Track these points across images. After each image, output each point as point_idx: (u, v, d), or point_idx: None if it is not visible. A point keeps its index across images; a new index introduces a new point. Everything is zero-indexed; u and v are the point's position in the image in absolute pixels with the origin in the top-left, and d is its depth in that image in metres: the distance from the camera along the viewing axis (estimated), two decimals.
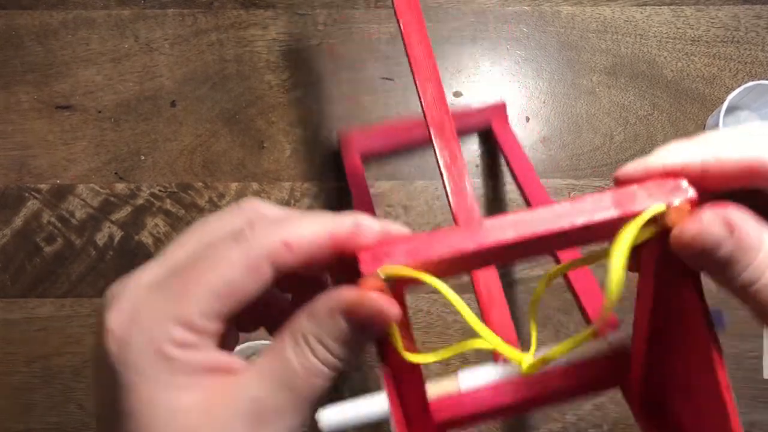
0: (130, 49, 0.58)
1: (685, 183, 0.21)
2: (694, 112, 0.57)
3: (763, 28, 0.58)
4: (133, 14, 0.58)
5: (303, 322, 0.21)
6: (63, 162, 0.56)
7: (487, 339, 0.21)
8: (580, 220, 0.21)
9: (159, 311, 0.20)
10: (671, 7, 0.58)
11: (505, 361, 0.31)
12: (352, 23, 0.58)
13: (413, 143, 0.56)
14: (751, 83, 0.53)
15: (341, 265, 0.21)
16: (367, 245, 0.20)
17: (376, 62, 0.58)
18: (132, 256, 0.56)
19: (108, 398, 0.20)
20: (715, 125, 0.53)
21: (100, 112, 0.57)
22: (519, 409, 0.33)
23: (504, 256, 0.21)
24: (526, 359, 0.22)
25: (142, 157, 0.56)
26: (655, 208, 0.20)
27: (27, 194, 0.56)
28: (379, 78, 0.57)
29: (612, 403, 0.53)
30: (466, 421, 0.30)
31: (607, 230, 0.21)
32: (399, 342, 0.21)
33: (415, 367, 0.23)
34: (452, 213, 0.33)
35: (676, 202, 0.21)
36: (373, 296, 0.20)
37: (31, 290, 0.55)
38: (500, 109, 0.56)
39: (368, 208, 0.51)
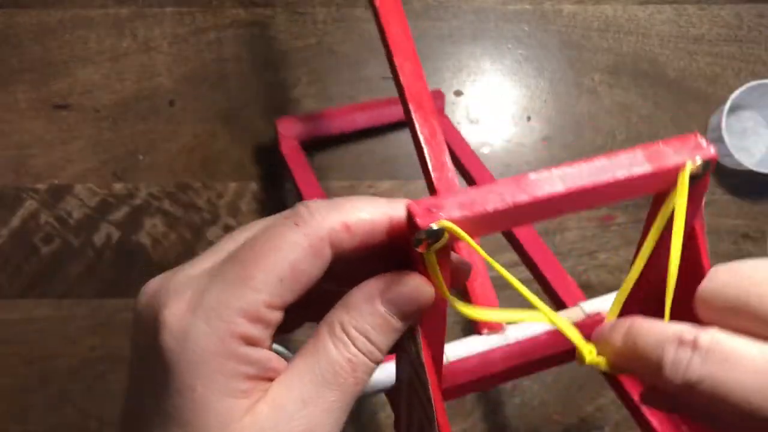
0: (128, 48, 0.57)
1: (704, 141, 0.22)
2: (697, 112, 0.57)
3: (766, 27, 0.58)
4: (131, 13, 0.58)
5: (341, 313, 0.20)
6: (60, 162, 0.56)
7: (557, 322, 0.21)
8: (620, 174, 0.22)
9: (222, 302, 0.18)
10: (673, 5, 0.58)
11: (488, 331, 0.34)
12: (351, 22, 0.57)
13: (352, 129, 0.55)
14: (753, 82, 0.52)
15: (392, 251, 0.20)
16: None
17: (376, 62, 0.57)
18: (130, 256, 0.55)
19: (151, 398, 0.19)
20: (718, 124, 0.53)
21: (98, 111, 0.57)
22: (505, 377, 0.34)
23: (552, 210, 0.22)
24: (589, 350, 0.22)
25: (140, 157, 0.56)
26: (688, 165, 0.22)
27: (24, 194, 0.56)
28: (379, 78, 0.57)
29: (614, 405, 0.53)
30: (455, 391, 0.30)
31: (641, 184, 0.23)
32: (449, 297, 0.21)
33: (441, 330, 0.23)
34: (430, 188, 0.33)
35: (699, 160, 0.22)
36: (411, 280, 0.20)
37: (28, 291, 0.55)
38: (436, 96, 0.54)
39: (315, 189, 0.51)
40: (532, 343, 0.36)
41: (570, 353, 0.32)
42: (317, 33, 0.57)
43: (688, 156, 0.22)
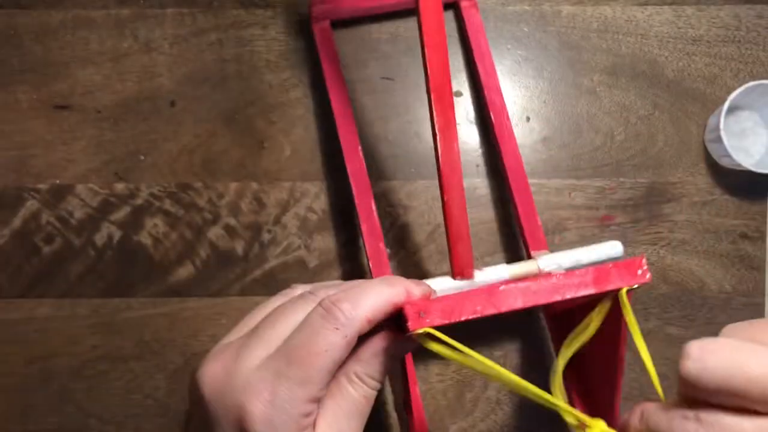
0: (129, 49, 0.57)
1: (643, 267, 0.30)
2: (696, 112, 0.57)
3: (764, 27, 0.58)
4: (132, 14, 0.58)
5: (355, 365, 0.29)
6: (62, 162, 0.56)
7: (558, 405, 0.30)
8: (569, 295, 0.30)
9: (293, 397, 0.26)
10: (672, 6, 0.58)
11: (458, 277, 0.43)
12: (351, 23, 0.58)
13: (383, 8, 0.57)
14: (752, 83, 0.53)
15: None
16: (411, 303, 0.28)
17: (376, 62, 0.57)
18: (131, 256, 0.55)
19: None
20: (716, 125, 0.53)
21: (99, 112, 0.57)
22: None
23: (509, 313, 0.29)
24: (598, 426, 0.29)
25: (142, 157, 0.56)
26: (624, 288, 0.29)
27: (26, 194, 0.56)
28: (379, 78, 0.57)
29: None
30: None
31: (584, 298, 0.30)
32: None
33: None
34: (438, 168, 0.40)
35: (635, 286, 0.30)
36: (406, 342, 0.29)
37: (29, 290, 0.55)
38: None
39: (347, 108, 0.54)
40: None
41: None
42: None
43: (627, 283, 0.30)
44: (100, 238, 0.55)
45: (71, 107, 0.57)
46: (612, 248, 0.50)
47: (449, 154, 0.40)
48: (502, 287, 0.29)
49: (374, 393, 0.29)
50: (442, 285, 0.46)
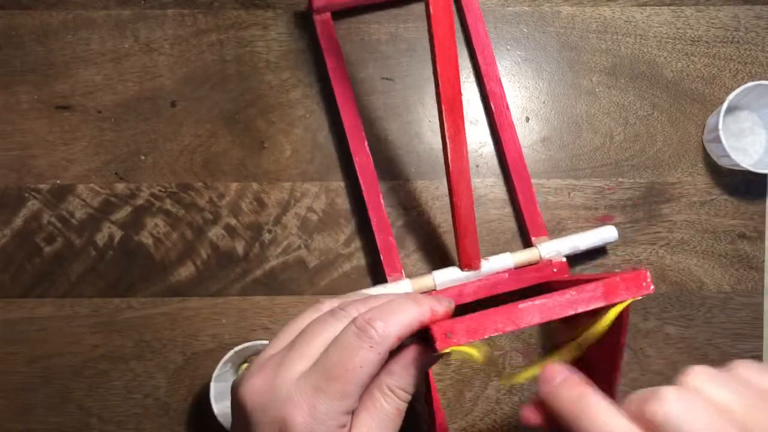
0: (130, 49, 0.58)
1: (647, 280, 0.33)
2: (694, 113, 0.57)
3: (763, 28, 0.58)
4: (133, 14, 0.58)
5: (387, 378, 0.31)
6: (63, 162, 0.56)
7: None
8: (581, 308, 0.32)
9: (332, 409, 0.28)
10: (671, 7, 0.58)
11: (465, 268, 0.47)
12: (351, 23, 0.58)
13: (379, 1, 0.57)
14: (751, 83, 0.53)
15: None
16: (436, 320, 0.31)
17: (376, 62, 0.58)
18: (132, 255, 0.56)
19: None
20: (715, 125, 0.53)
21: (100, 112, 0.57)
22: (477, 299, 0.49)
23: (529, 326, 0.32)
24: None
25: (142, 157, 0.56)
26: (629, 300, 0.33)
27: (27, 194, 0.56)
28: (379, 78, 0.57)
29: None
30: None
31: (594, 309, 0.33)
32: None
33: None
34: (447, 171, 0.43)
35: (639, 297, 0.33)
36: (433, 355, 0.31)
37: (30, 290, 0.55)
38: None
39: (350, 97, 0.55)
40: (498, 280, 0.50)
41: (529, 289, 0.51)
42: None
43: (633, 295, 0.33)
44: (101, 238, 0.56)
45: (72, 107, 0.57)
46: (607, 233, 0.53)
47: (459, 160, 0.42)
48: (521, 305, 0.32)
49: (405, 405, 0.31)
50: (451, 276, 0.50)
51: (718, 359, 0.55)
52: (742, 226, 0.56)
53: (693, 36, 0.58)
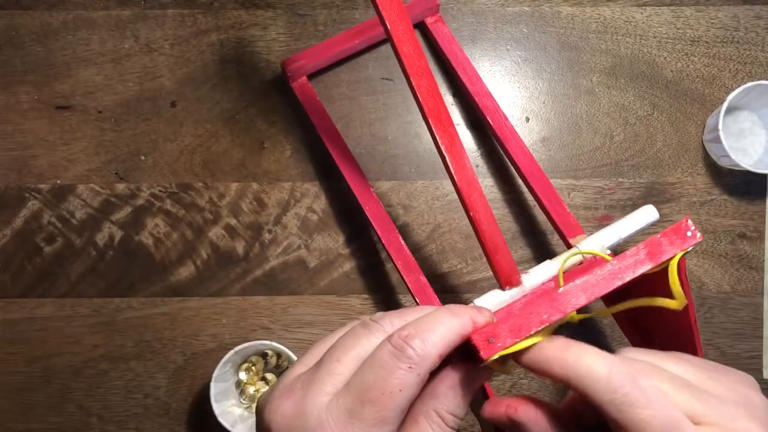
0: (130, 50, 0.58)
1: (691, 228, 0.30)
2: (694, 113, 0.57)
3: (762, 28, 0.58)
4: (133, 15, 0.58)
5: (433, 402, 0.28)
6: (63, 162, 0.56)
7: None
8: (628, 277, 0.29)
9: None
10: (671, 7, 0.59)
11: (507, 287, 0.42)
12: (351, 24, 0.58)
13: (352, 51, 0.57)
14: (750, 83, 0.53)
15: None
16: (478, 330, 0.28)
17: (376, 62, 0.58)
18: (132, 256, 0.56)
19: None
20: (715, 125, 0.53)
21: (100, 112, 0.57)
22: None
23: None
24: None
25: (143, 158, 0.56)
26: (680, 253, 0.30)
27: (27, 194, 0.56)
28: (379, 78, 0.57)
29: None
30: None
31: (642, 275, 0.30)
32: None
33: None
34: (455, 186, 0.40)
35: (689, 248, 0.30)
36: (481, 373, 0.28)
37: (31, 290, 0.55)
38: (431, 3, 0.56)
39: (333, 132, 0.54)
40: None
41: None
42: (318, 35, 0.58)
43: (680, 248, 0.30)
44: (101, 238, 0.56)
45: (72, 108, 0.57)
46: (647, 213, 0.48)
47: (462, 171, 0.40)
48: (561, 289, 0.29)
49: (454, 430, 0.28)
50: (495, 299, 0.44)
51: (718, 359, 0.55)
52: (742, 226, 0.56)
53: (693, 36, 0.58)
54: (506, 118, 0.54)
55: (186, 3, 0.58)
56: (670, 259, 0.30)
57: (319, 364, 0.28)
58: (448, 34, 0.56)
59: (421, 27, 0.57)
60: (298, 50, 0.57)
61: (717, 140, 0.53)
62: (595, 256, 0.46)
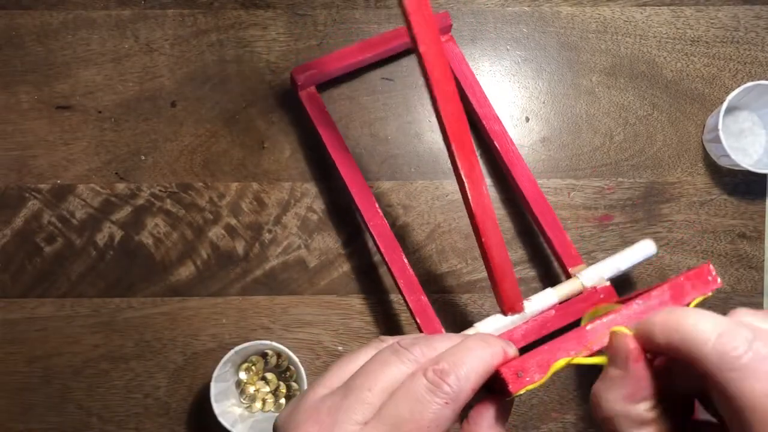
0: (130, 50, 0.58)
1: (712, 273, 0.32)
2: (694, 112, 0.57)
3: (762, 28, 0.58)
4: (133, 14, 0.58)
5: None
6: (63, 162, 0.56)
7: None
8: None
9: None
10: (671, 7, 0.59)
11: (509, 313, 0.43)
12: (351, 23, 0.58)
13: (363, 64, 0.56)
14: (750, 83, 0.53)
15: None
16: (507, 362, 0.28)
17: (375, 63, 0.58)
18: (132, 255, 0.56)
19: None
20: (715, 125, 0.54)
21: (100, 112, 0.57)
22: (528, 344, 0.46)
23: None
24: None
25: (143, 157, 0.56)
26: (700, 297, 0.31)
27: (27, 194, 0.56)
28: (379, 78, 0.58)
29: None
30: None
31: None
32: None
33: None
34: (469, 211, 0.40)
35: (710, 293, 0.31)
36: (508, 402, 0.28)
37: (31, 290, 0.55)
38: (442, 19, 0.55)
39: (340, 142, 0.54)
40: (545, 319, 0.48)
41: (571, 317, 0.48)
42: (318, 35, 0.58)
43: (701, 292, 0.31)
44: (101, 238, 0.56)
45: (72, 108, 0.57)
46: (646, 248, 0.51)
47: (479, 197, 0.40)
48: (589, 327, 0.29)
49: None
50: (496, 324, 0.47)
51: None
52: (742, 226, 0.56)
53: (693, 36, 0.58)
54: (513, 143, 0.54)
55: (186, 3, 0.58)
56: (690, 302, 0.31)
57: (347, 390, 0.27)
58: (459, 55, 0.56)
59: None
60: (298, 50, 0.57)
61: (717, 140, 0.53)
62: (595, 288, 0.49)
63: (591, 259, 0.55)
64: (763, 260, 0.56)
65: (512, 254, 0.56)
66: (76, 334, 0.55)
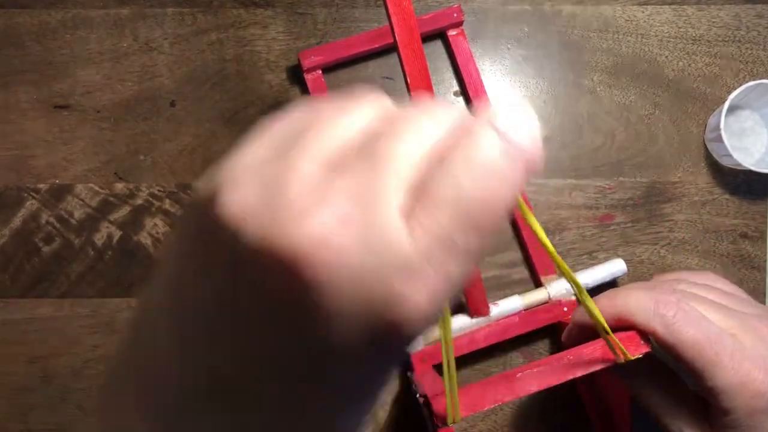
0: (129, 49, 0.57)
1: (641, 342, 0.34)
2: (696, 112, 0.57)
3: (764, 27, 0.58)
4: (132, 13, 0.58)
5: None
6: (62, 162, 0.56)
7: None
8: (579, 373, 0.33)
9: (457, 286, 0.17)
10: (672, 6, 0.58)
11: (475, 315, 0.47)
12: (351, 22, 0.58)
13: (367, 54, 0.57)
14: (752, 83, 0.53)
15: None
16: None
17: (375, 62, 0.57)
18: (131, 256, 0.55)
19: None
20: (717, 125, 0.53)
21: (99, 111, 0.57)
22: (490, 346, 0.49)
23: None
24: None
25: (142, 157, 0.56)
26: (630, 358, 0.33)
27: (26, 194, 0.56)
28: (379, 77, 0.57)
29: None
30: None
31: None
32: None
33: None
34: None
35: (640, 355, 0.34)
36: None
37: (29, 290, 0.55)
38: (454, 13, 0.56)
39: None
40: (508, 324, 0.50)
41: (538, 331, 0.51)
42: (317, 33, 0.58)
43: (632, 354, 0.33)
44: (99, 238, 0.55)
45: (71, 107, 0.57)
46: (616, 267, 0.53)
47: None
48: (519, 374, 0.32)
49: None
50: (461, 323, 0.49)
51: None
52: (744, 226, 0.56)
53: (694, 35, 0.58)
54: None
55: (185, 1, 0.58)
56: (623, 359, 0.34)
57: (364, 156, 0.16)
58: (466, 50, 0.56)
59: (442, 36, 0.57)
60: (298, 49, 0.57)
61: (718, 139, 0.53)
62: (560, 300, 0.51)
63: (592, 258, 0.55)
64: (765, 260, 0.56)
65: (509, 256, 0.55)
66: (76, 335, 0.55)
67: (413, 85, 0.37)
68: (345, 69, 0.57)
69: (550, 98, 0.57)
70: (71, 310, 0.55)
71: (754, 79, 0.55)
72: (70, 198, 0.56)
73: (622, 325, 0.34)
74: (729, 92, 0.54)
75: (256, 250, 0.15)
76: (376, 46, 0.55)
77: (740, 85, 0.53)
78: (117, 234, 0.55)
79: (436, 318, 0.17)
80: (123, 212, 0.56)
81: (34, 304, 0.55)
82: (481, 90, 0.55)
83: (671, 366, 0.36)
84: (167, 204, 0.56)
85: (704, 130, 0.57)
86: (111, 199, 0.56)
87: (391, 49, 0.57)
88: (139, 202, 0.56)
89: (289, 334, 0.15)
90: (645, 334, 0.35)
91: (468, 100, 0.56)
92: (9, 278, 0.55)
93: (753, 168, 0.53)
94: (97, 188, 0.56)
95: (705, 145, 0.57)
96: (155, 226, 0.56)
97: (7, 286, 0.55)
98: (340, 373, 0.16)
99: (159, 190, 0.56)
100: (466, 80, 0.55)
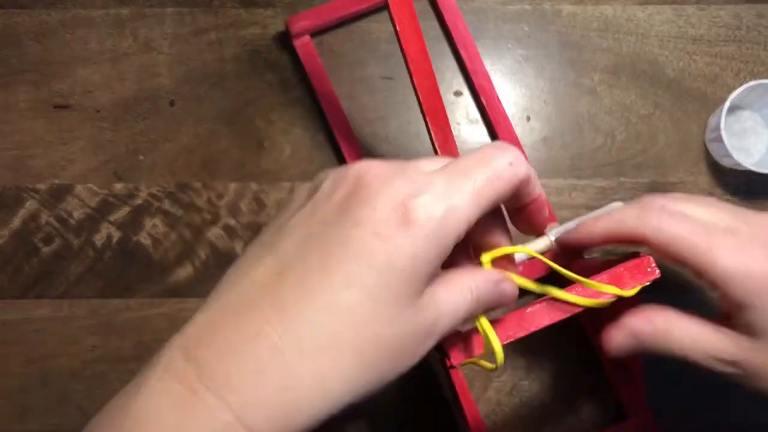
0: (128, 48, 0.57)
1: (652, 264, 0.35)
2: (696, 111, 0.57)
3: (765, 27, 0.58)
4: (131, 13, 0.58)
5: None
6: (61, 162, 0.56)
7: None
8: (589, 304, 0.33)
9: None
10: (673, 6, 0.58)
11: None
12: (351, 22, 0.58)
13: (355, 15, 0.57)
14: (752, 83, 0.53)
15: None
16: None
17: (375, 62, 0.57)
18: (130, 256, 0.55)
19: None
20: (717, 125, 0.53)
21: (98, 111, 0.57)
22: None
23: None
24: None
25: (141, 157, 0.56)
26: (638, 287, 0.34)
27: (25, 194, 0.56)
28: (379, 77, 0.57)
29: (613, 404, 0.53)
30: None
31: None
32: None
33: None
34: None
35: (648, 282, 0.35)
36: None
37: (28, 291, 0.55)
38: None
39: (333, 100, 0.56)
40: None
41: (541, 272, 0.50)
42: (317, 33, 0.57)
43: (639, 282, 0.34)
44: (99, 239, 0.55)
45: (70, 107, 0.57)
46: (613, 208, 0.52)
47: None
48: (529, 309, 0.32)
49: None
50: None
51: None
52: None
53: (695, 35, 0.58)
54: (499, 100, 0.56)
55: (185, 1, 0.58)
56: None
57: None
58: (453, 7, 0.57)
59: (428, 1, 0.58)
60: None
61: (719, 140, 0.53)
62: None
63: (591, 253, 0.55)
64: None
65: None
66: (74, 336, 0.55)
67: (416, 76, 0.41)
68: (344, 68, 0.57)
69: (550, 98, 0.57)
70: (70, 310, 0.55)
71: (754, 79, 0.55)
72: (70, 198, 0.56)
73: (612, 240, 0.35)
74: (729, 92, 0.54)
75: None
76: (364, 6, 0.56)
77: (741, 85, 0.53)
78: (116, 234, 0.55)
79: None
80: (122, 212, 0.56)
81: (32, 305, 0.55)
82: (470, 45, 0.56)
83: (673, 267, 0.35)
84: (167, 204, 0.56)
85: (705, 130, 0.57)
86: (110, 199, 0.56)
87: (381, 8, 0.57)
88: (139, 202, 0.56)
89: None
90: (649, 262, 0.35)
91: (459, 58, 0.56)
92: (7, 278, 0.55)
93: (753, 168, 0.53)
94: (96, 188, 0.56)
95: (705, 145, 0.57)
96: (155, 226, 0.55)
97: (5, 287, 0.55)
98: None
99: (158, 190, 0.56)
100: (456, 37, 0.56)
